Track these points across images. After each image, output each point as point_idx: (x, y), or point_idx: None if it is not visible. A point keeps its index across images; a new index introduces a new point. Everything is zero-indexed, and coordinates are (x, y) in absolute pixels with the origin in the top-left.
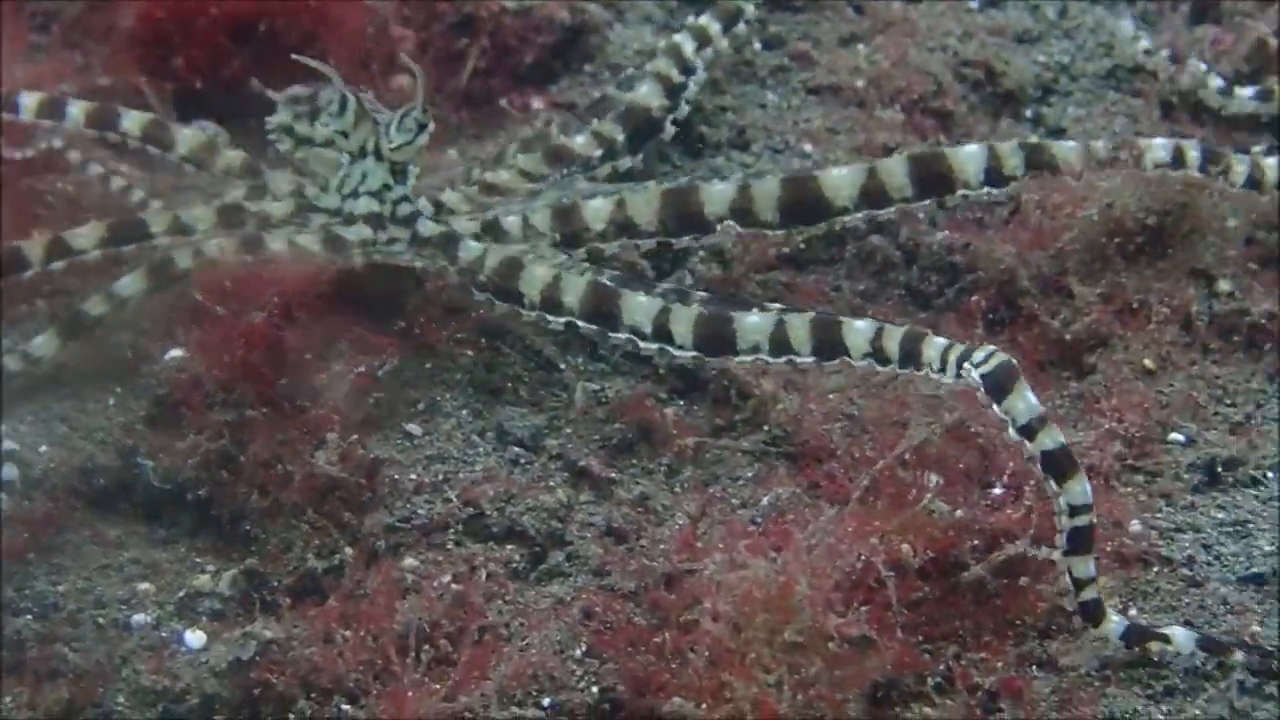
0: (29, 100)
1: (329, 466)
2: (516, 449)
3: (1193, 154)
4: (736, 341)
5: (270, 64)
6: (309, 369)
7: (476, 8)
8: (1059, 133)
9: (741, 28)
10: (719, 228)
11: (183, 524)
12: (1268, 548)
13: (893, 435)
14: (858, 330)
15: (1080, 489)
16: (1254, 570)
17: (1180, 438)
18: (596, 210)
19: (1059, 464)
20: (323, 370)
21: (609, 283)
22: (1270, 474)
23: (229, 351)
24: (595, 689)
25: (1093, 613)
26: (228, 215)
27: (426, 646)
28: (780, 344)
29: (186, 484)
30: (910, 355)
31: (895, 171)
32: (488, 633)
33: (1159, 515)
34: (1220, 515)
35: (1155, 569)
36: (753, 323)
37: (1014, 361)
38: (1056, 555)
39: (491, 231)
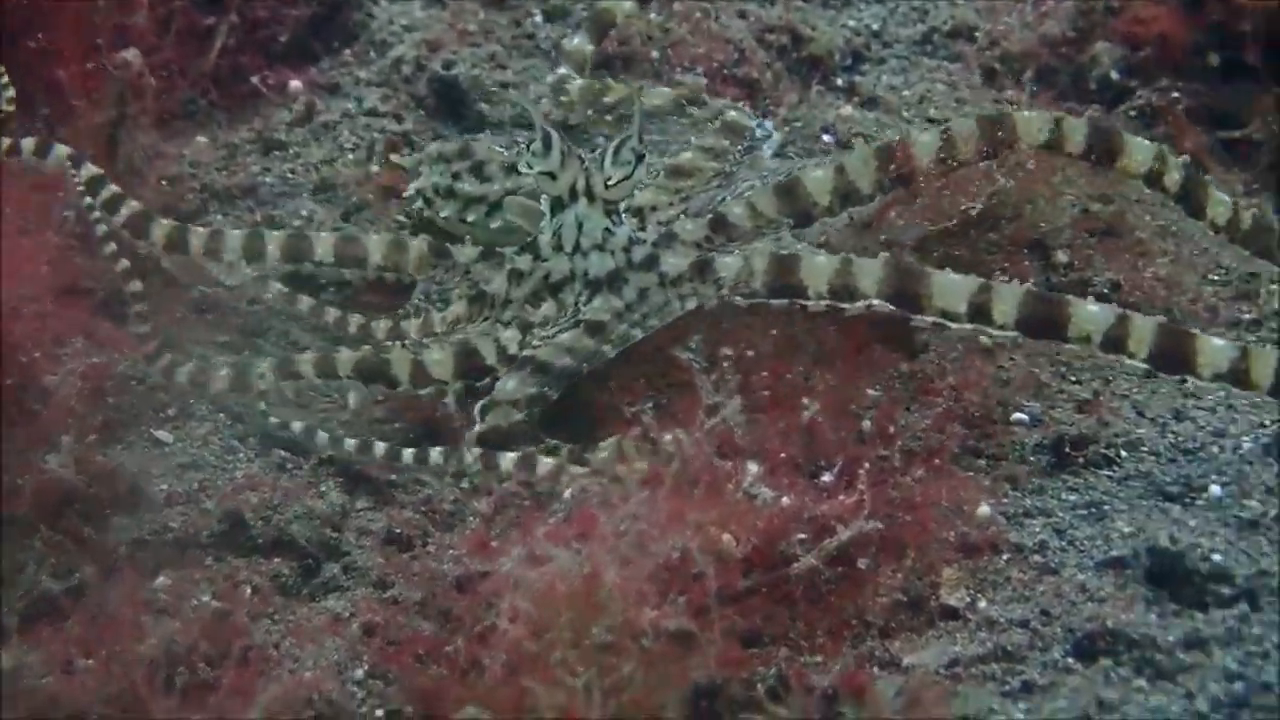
0: None
1: (62, 470)
2: (282, 453)
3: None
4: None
5: None
6: (38, 368)
7: None
8: (873, 102)
9: None
10: None
11: None
12: (1126, 529)
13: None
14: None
15: None
16: (1113, 554)
17: (1024, 417)
18: (819, 181)
19: None
20: (54, 369)
21: (912, 261)
22: (1124, 452)
23: None
24: (380, 711)
25: None
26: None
27: (181, 670)
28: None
29: None
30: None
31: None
32: (252, 653)
33: (1005, 500)
34: (1072, 498)
35: (1005, 556)
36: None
37: None
38: None
39: (720, 229)
